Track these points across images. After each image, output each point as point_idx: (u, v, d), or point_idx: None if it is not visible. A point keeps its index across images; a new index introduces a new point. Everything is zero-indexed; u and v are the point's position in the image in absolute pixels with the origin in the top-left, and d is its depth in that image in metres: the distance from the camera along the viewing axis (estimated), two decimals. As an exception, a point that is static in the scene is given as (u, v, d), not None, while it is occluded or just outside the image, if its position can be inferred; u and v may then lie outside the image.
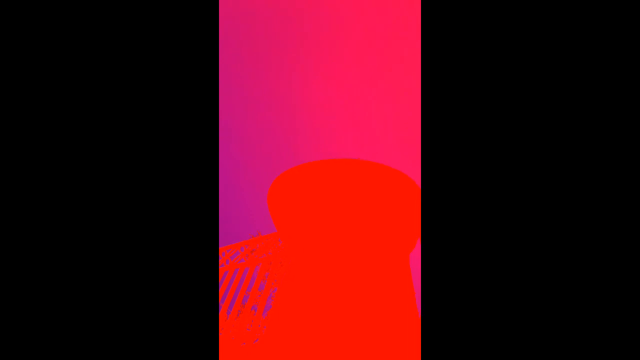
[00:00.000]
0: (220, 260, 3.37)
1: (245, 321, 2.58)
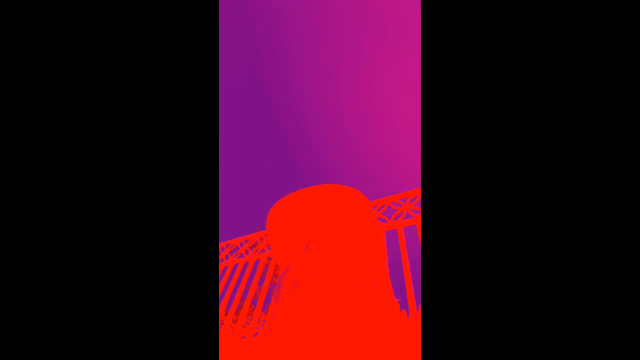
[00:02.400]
0: (219, 256, 3.39)
1: (244, 316, 2.61)
